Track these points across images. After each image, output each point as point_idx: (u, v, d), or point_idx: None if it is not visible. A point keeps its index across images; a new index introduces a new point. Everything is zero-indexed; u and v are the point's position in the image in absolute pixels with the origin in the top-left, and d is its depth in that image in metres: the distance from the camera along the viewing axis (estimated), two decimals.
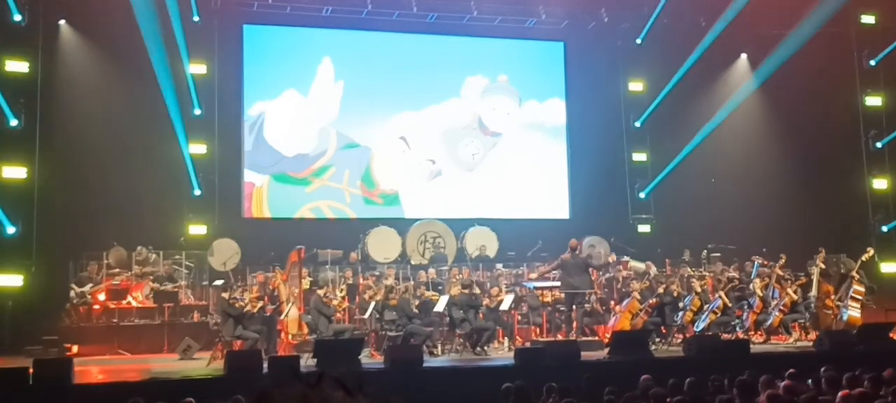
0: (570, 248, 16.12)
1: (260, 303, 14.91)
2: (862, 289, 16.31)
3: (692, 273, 17.98)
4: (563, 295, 16.13)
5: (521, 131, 22.04)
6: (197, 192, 19.14)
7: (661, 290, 16.36)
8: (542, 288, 16.96)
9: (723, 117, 20.96)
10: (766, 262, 17.45)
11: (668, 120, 21.69)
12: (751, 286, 16.79)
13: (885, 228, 21.18)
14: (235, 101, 20.19)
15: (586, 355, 13.26)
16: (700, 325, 15.94)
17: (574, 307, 16.02)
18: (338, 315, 15.59)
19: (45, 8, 18.06)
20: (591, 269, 16.28)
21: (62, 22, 18.87)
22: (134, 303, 16.95)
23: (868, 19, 21.20)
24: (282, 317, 14.88)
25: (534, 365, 12.13)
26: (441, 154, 21.50)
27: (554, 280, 16.54)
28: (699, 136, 20.85)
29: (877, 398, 8.00)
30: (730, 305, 16.38)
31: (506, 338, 16.16)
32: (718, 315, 16.03)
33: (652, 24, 21.08)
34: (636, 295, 16.10)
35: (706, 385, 9.01)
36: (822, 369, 9.14)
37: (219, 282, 17.36)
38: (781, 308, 16.25)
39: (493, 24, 21.45)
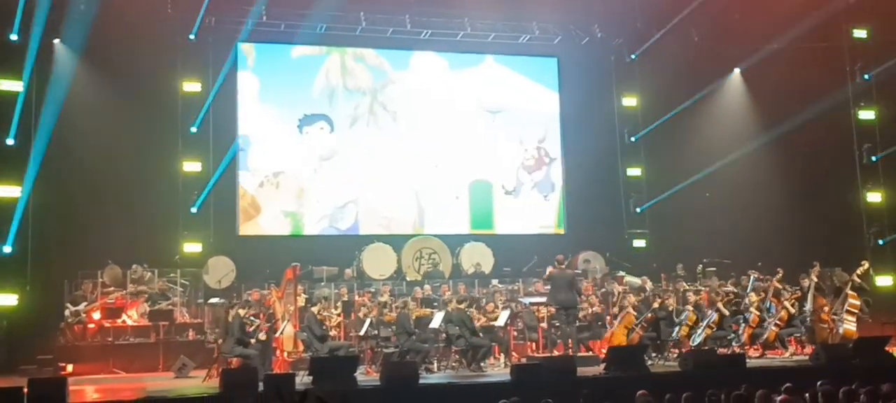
0: (557, 262, 16.11)
1: (256, 321, 14.88)
2: (857, 302, 16.29)
3: (688, 287, 17.98)
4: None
5: (514, 147, 22.05)
6: (192, 210, 19.13)
7: (656, 305, 16.33)
8: (538, 304, 16.96)
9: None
10: (762, 276, 17.46)
11: (663, 134, 21.75)
12: (747, 300, 16.77)
13: (881, 241, 21.20)
14: (230, 119, 20.18)
15: (582, 371, 13.23)
16: (696, 340, 15.92)
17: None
18: (333, 332, 15.55)
19: (39, 27, 18.02)
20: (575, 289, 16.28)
21: (57, 41, 18.87)
22: (129, 322, 16.90)
23: (860, 34, 21.29)
24: (277, 335, 14.82)
25: (530, 382, 12.08)
26: (435, 167, 21.49)
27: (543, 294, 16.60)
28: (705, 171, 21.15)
29: None
30: (727, 314, 16.35)
31: (502, 355, 16.11)
32: (714, 329, 16.01)
33: (649, 45, 21.19)
34: (631, 309, 16.07)
35: (703, 400, 8.98)
36: (819, 383, 9.11)
37: (215, 300, 17.32)
38: (777, 322, 16.24)
39: (487, 41, 21.52)
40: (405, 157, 21.24)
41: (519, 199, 21.96)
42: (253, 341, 14.34)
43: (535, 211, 21.99)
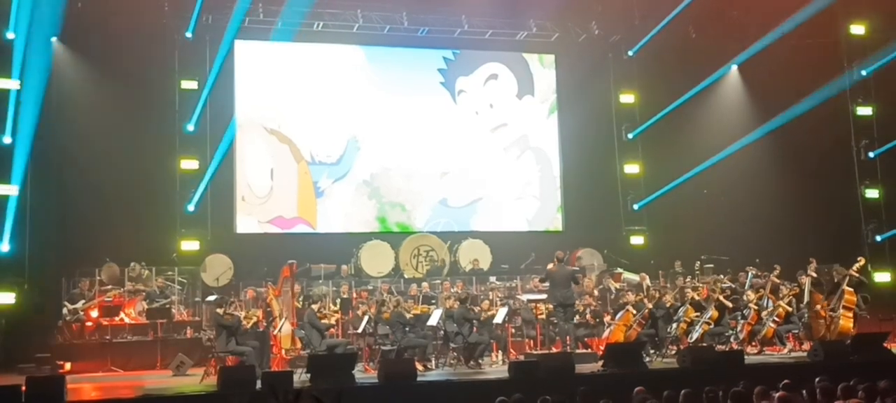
0: (557, 259, 16.06)
1: (254, 318, 14.87)
2: (853, 298, 16.27)
3: (686, 284, 17.97)
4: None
5: (513, 143, 22.02)
6: (189, 208, 19.12)
7: (650, 303, 16.27)
8: (536, 301, 16.94)
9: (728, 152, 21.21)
10: (760, 273, 17.45)
11: (660, 131, 21.75)
12: (745, 296, 16.76)
13: (878, 238, 21.21)
14: (227, 117, 20.15)
15: (581, 368, 13.23)
16: (693, 336, 15.91)
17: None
18: (332, 330, 15.55)
19: (35, 25, 17.97)
20: (574, 285, 16.21)
21: (53, 39, 18.84)
22: (127, 320, 16.88)
23: (858, 29, 21.30)
24: (275, 333, 14.81)
25: (528, 379, 12.08)
26: (435, 167, 21.47)
27: (542, 292, 16.56)
28: (702, 166, 21.13)
29: None
30: (729, 306, 16.33)
31: (500, 352, 16.11)
32: (711, 325, 16.01)
33: (647, 42, 21.18)
34: (630, 307, 16.06)
35: (701, 396, 8.97)
36: (817, 379, 9.10)
37: (211, 298, 17.30)
38: (775, 318, 16.23)
39: (484, 38, 21.50)
40: (376, 153, 21.16)
41: (491, 198, 21.80)
42: (242, 322, 14.26)
43: (509, 209, 21.87)
